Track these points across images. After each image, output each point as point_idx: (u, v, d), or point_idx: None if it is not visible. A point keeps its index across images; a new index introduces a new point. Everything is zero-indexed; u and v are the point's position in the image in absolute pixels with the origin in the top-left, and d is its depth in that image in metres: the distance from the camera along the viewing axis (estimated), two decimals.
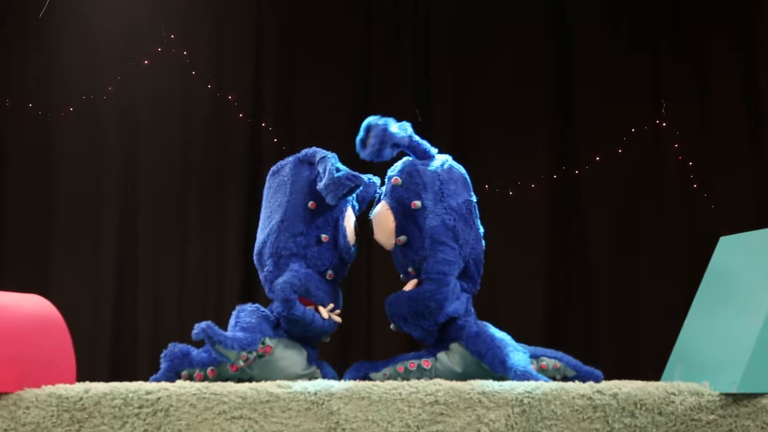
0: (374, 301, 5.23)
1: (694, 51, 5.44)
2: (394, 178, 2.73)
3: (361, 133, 2.70)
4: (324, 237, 2.69)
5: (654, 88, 5.44)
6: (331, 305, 2.71)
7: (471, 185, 2.80)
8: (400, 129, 2.71)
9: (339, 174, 2.59)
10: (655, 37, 5.48)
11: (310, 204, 2.68)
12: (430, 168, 2.71)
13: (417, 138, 2.77)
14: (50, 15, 5.23)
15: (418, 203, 2.66)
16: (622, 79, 5.42)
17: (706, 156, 5.36)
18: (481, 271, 2.78)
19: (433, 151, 2.80)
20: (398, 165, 2.77)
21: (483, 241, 2.77)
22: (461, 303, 2.68)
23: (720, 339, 2.48)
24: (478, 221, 2.77)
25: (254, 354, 2.53)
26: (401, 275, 2.78)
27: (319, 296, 2.66)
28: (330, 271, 2.72)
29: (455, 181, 2.73)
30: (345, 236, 2.73)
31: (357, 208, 2.85)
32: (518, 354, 2.54)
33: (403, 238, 2.69)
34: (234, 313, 2.68)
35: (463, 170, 2.80)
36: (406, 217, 2.69)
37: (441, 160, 2.78)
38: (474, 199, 2.78)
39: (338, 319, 2.72)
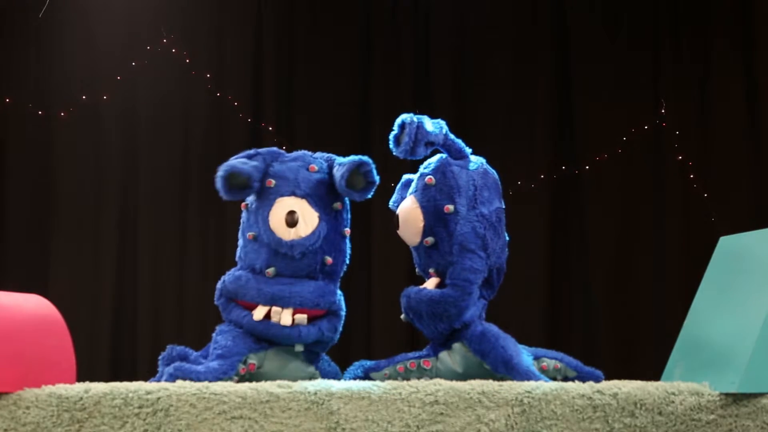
0: (374, 300, 5.23)
1: (694, 51, 5.44)
2: (428, 177, 2.64)
3: (396, 130, 2.63)
4: (249, 234, 2.60)
5: (654, 88, 5.45)
6: (273, 308, 2.50)
7: (501, 191, 2.75)
8: (435, 126, 2.63)
9: (222, 168, 2.59)
10: (655, 37, 5.48)
11: (242, 205, 2.65)
12: (465, 171, 2.64)
13: (452, 136, 2.69)
14: (50, 15, 5.23)
15: (451, 207, 2.59)
16: (622, 79, 5.43)
17: (706, 156, 5.36)
18: (501, 280, 2.74)
19: (468, 150, 2.72)
20: (432, 162, 2.69)
21: (506, 250, 2.74)
22: (477, 309, 2.65)
23: (720, 339, 2.48)
24: (505, 229, 2.72)
25: (235, 378, 2.42)
26: (417, 271, 2.74)
27: (248, 295, 2.55)
28: (270, 269, 2.54)
29: (489, 187, 2.67)
30: (268, 230, 2.55)
31: (307, 195, 2.63)
32: (521, 355, 2.53)
33: (430, 239, 2.63)
34: (213, 335, 2.60)
35: (496, 175, 2.74)
36: (436, 220, 2.62)
37: (476, 162, 2.70)
38: (503, 206, 2.72)
39: (284, 321, 2.49)
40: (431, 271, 2.68)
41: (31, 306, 2.38)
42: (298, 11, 5.50)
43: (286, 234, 2.53)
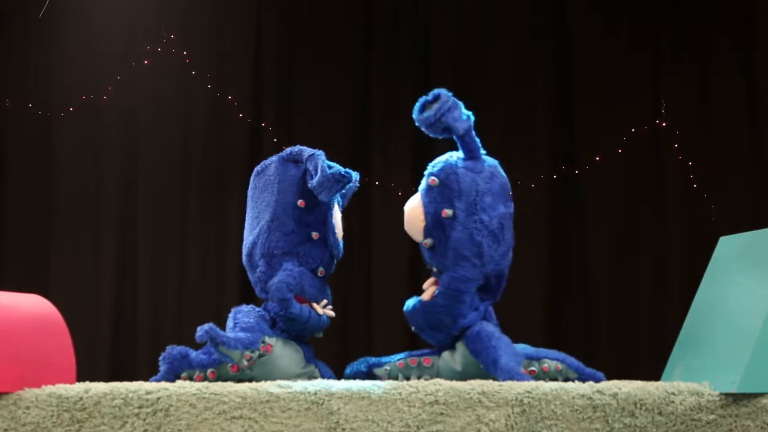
0: (374, 300, 5.23)
1: (694, 51, 5.43)
2: (432, 177, 2.66)
3: (429, 97, 2.62)
4: (314, 234, 2.69)
5: (654, 88, 5.44)
6: (324, 301, 2.73)
7: (510, 194, 2.72)
8: (463, 116, 2.60)
9: (332, 170, 2.60)
10: (655, 37, 5.48)
11: (300, 202, 2.68)
12: (470, 174, 2.64)
13: (473, 133, 2.68)
14: (50, 15, 5.23)
15: (449, 212, 2.61)
16: (622, 79, 5.42)
17: (706, 156, 5.35)
18: (503, 285, 2.73)
19: (482, 152, 2.71)
20: (440, 162, 2.70)
21: (510, 255, 2.72)
22: (478, 313, 2.66)
23: (720, 339, 2.48)
24: (510, 234, 2.71)
25: (257, 353, 2.54)
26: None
27: (312, 293, 2.68)
28: (321, 268, 2.73)
29: (494, 192, 2.66)
30: (334, 233, 2.74)
31: (342, 204, 2.84)
32: (512, 357, 2.53)
33: (428, 241, 2.66)
34: (231, 314, 2.69)
35: (505, 179, 2.72)
36: (435, 222, 2.64)
37: (485, 165, 2.69)
38: (510, 210, 2.71)
39: (332, 314, 2.75)
40: (435, 269, 2.70)
41: (31, 306, 2.38)
42: (298, 11, 5.50)
43: (341, 238, 2.78)
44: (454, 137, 2.67)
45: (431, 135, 2.65)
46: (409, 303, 2.69)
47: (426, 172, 2.72)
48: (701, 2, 5.45)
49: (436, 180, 2.65)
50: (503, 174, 2.73)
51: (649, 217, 5.37)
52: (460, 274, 2.58)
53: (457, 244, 2.59)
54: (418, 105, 2.63)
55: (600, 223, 5.36)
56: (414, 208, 2.70)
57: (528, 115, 5.45)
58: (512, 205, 2.73)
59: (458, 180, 2.62)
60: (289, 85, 5.45)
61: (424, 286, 2.72)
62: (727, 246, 2.73)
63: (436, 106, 2.58)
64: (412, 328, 2.72)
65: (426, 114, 2.59)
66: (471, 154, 2.68)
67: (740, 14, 5.41)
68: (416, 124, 2.63)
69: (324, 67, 5.43)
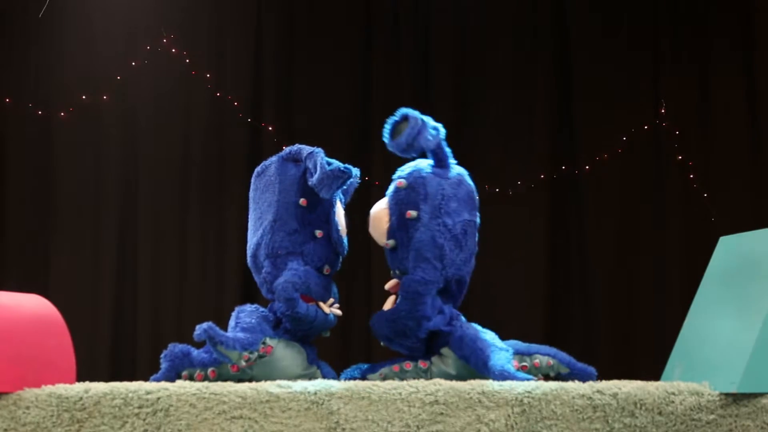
0: (374, 300, 5.23)
1: (694, 51, 5.44)
2: (399, 180, 2.69)
3: (397, 117, 2.64)
4: (318, 233, 2.70)
5: (654, 88, 5.45)
6: (331, 300, 2.73)
7: (477, 204, 2.75)
8: (432, 135, 2.65)
9: (331, 167, 2.60)
10: (655, 37, 5.48)
11: (302, 201, 2.69)
12: (437, 179, 2.67)
13: (443, 144, 2.71)
14: (50, 15, 5.23)
15: (413, 213, 2.63)
16: (622, 79, 5.43)
17: (706, 156, 5.36)
18: (463, 291, 2.75)
19: (452, 161, 2.74)
20: (408, 167, 2.73)
21: (473, 262, 2.73)
22: (444, 317, 2.66)
23: (720, 339, 2.48)
24: (473, 242, 2.72)
25: (255, 354, 2.53)
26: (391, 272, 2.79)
27: (319, 292, 2.68)
28: (326, 266, 2.73)
29: (459, 198, 2.68)
30: (337, 230, 2.74)
31: (344, 200, 2.85)
32: (499, 353, 2.53)
33: (391, 242, 2.69)
34: (233, 314, 2.69)
35: (472, 188, 2.75)
36: (399, 223, 2.66)
37: (454, 172, 2.72)
38: (476, 219, 2.73)
39: (339, 313, 2.74)
40: (397, 272, 2.72)
41: (31, 306, 2.38)
42: (298, 11, 5.50)
43: (344, 235, 2.77)
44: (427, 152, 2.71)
45: (407, 157, 2.69)
46: (372, 319, 2.70)
47: (394, 176, 2.73)
48: (701, 2, 5.45)
49: (404, 182, 2.68)
50: (470, 183, 2.76)
51: (649, 217, 5.37)
52: (420, 276, 2.60)
53: (419, 245, 2.61)
54: (388, 128, 2.66)
55: (600, 223, 5.36)
56: (380, 210, 2.73)
57: (528, 116, 5.45)
58: (478, 215, 2.74)
59: (425, 184, 2.66)
60: (289, 85, 5.45)
61: (386, 286, 2.72)
62: (727, 246, 2.73)
63: (406, 131, 2.61)
64: (381, 342, 2.72)
65: (397, 141, 2.63)
66: (441, 163, 2.72)
67: (740, 14, 5.41)
68: (388, 148, 2.65)
69: (324, 67, 5.44)
